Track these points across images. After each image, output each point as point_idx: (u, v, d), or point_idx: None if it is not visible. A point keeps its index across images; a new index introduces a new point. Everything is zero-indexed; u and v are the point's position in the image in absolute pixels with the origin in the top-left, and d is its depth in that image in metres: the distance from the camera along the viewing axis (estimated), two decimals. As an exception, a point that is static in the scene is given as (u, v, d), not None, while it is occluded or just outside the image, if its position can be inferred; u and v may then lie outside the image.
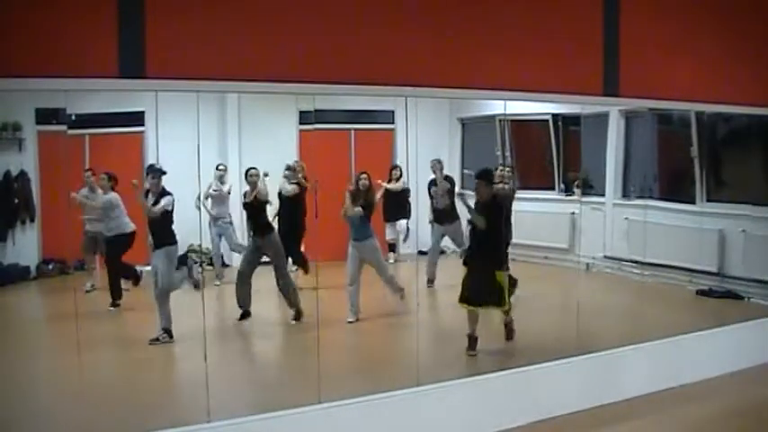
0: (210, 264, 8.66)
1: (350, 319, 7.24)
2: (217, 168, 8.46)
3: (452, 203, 8.30)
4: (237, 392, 5.33)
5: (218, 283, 8.39)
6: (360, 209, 7.21)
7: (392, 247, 9.38)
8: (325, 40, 4.45)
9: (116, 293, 7.38)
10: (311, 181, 8.21)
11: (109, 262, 7.52)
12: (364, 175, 7.48)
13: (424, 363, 5.21)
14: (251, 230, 7.74)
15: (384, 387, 4.87)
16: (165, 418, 4.50)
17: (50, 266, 8.41)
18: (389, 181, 8.83)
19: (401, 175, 8.84)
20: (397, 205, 8.91)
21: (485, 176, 6.21)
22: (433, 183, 8.46)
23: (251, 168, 7.52)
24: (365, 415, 4.70)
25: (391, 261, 9.36)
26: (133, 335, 6.95)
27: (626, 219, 8.95)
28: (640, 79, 5.70)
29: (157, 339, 6.41)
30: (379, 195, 7.65)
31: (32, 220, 8.46)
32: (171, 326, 6.44)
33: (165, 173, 6.66)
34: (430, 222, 8.67)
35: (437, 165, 8.46)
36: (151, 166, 6.92)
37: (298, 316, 7.18)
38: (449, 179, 8.50)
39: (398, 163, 9.09)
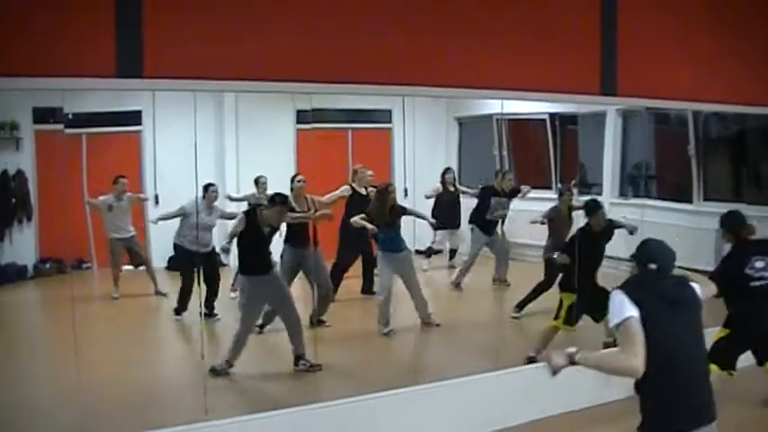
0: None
1: (384, 331, 6.89)
2: (258, 182, 7.85)
3: None
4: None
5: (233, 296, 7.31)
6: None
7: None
8: (323, 39, 4.44)
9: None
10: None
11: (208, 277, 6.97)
12: (392, 187, 7.07)
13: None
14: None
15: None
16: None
17: (48, 265, 8.41)
18: (443, 185, 8.66)
19: (454, 180, 8.65)
20: (453, 212, 8.70)
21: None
22: (493, 193, 8.24)
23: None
24: (363, 413, 4.71)
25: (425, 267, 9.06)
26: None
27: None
28: (638, 78, 5.69)
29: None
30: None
31: (29, 219, 8.45)
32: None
33: None
34: (471, 228, 8.41)
35: (507, 175, 8.42)
36: None
37: None
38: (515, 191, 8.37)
39: (448, 168, 8.98)
